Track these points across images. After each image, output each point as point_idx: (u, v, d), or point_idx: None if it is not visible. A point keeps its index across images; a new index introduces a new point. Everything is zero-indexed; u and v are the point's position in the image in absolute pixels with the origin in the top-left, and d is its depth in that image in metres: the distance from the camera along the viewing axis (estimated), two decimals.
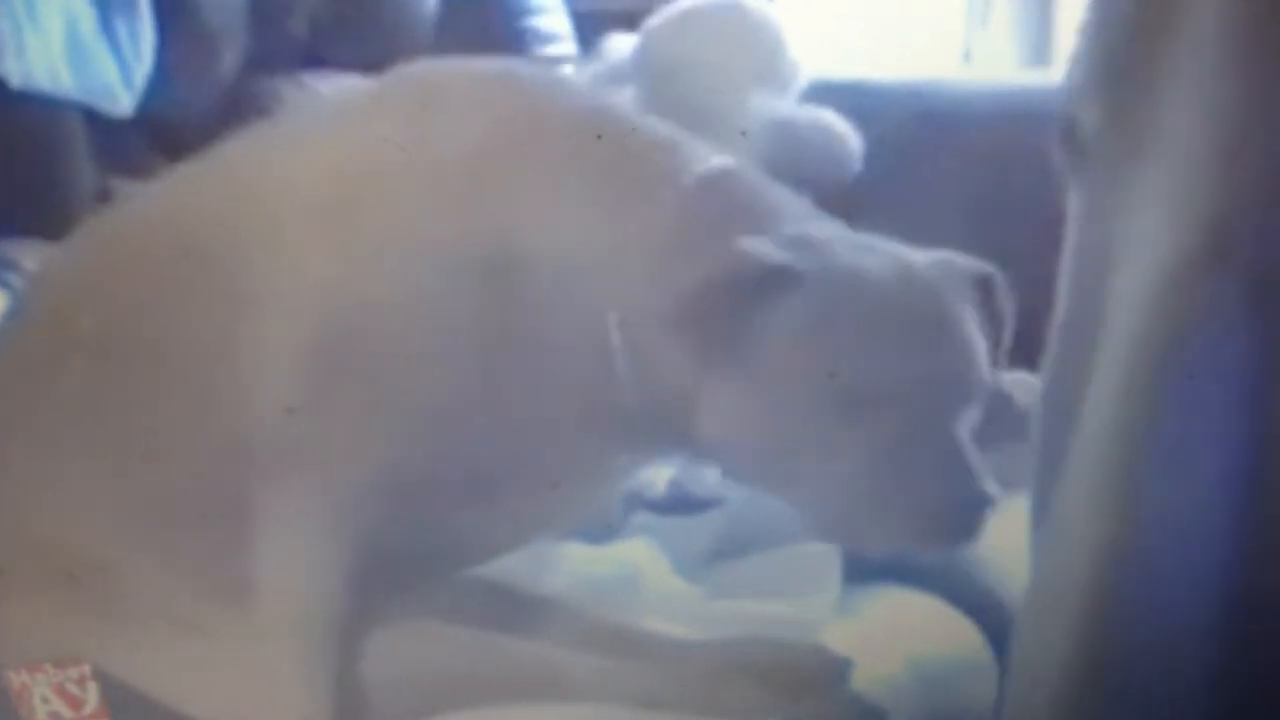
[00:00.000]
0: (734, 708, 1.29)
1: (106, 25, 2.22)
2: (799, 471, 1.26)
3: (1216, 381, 0.86)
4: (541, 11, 2.75)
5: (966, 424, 1.26)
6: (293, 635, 1.24)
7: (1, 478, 1.30)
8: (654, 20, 2.54)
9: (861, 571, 1.56)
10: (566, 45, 2.76)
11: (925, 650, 1.54)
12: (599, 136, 1.32)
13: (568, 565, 1.49)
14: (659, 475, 1.63)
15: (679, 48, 2.49)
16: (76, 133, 2.21)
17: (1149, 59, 0.90)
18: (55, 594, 1.25)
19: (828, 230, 1.31)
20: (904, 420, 1.24)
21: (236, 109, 2.20)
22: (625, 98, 2.31)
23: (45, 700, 1.20)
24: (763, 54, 2.51)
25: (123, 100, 2.23)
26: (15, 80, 2.12)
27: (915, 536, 1.26)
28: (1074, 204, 0.98)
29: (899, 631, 1.55)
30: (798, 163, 2.14)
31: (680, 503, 1.64)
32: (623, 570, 1.52)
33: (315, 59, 2.49)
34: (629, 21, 2.58)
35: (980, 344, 1.29)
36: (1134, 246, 0.90)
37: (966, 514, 1.24)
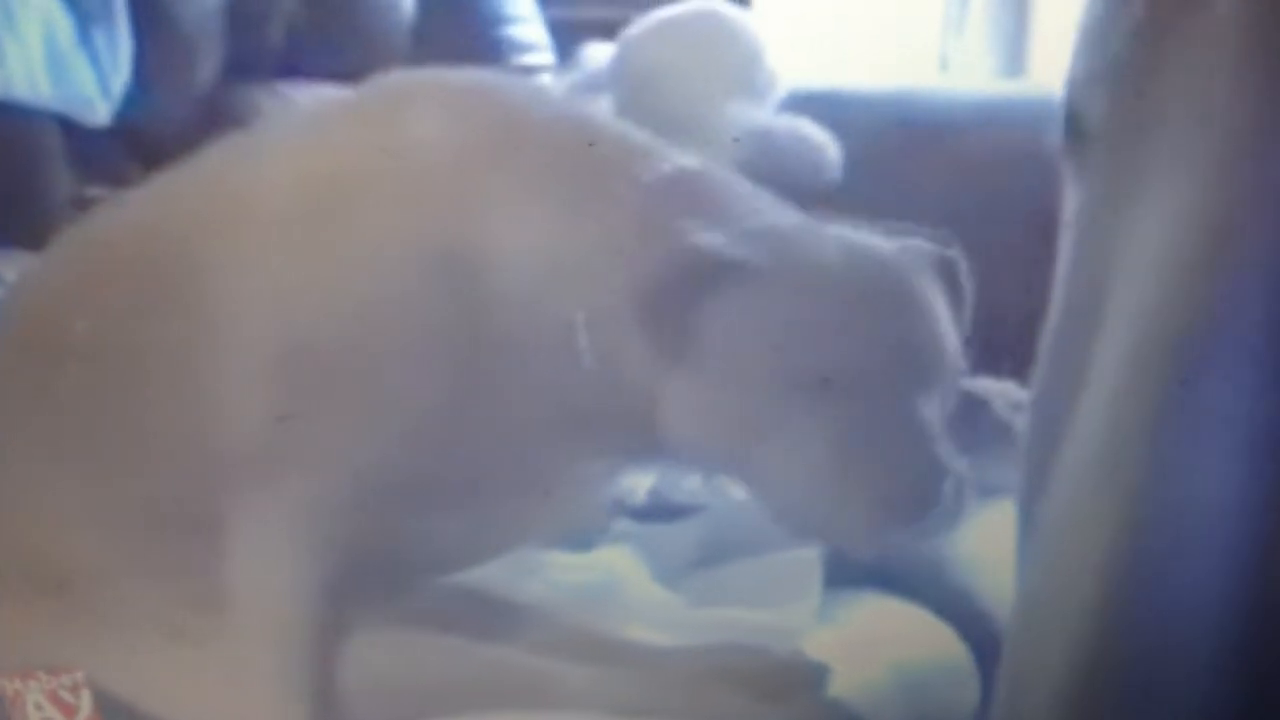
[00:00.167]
0: (712, 714, 1.29)
1: (85, 35, 2.21)
2: (764, 461, 1.25)
3: (1219, 383, 0.85)
4: (518, 21, 2.75)
5: (934, 406, 1.26)
6: (270, 644, 1.24)
7: None
8: (631, 30, 2.54)
9: (843, 579, 1.56)
10: (544, 54, 2.76)
11: (907, 657, 1.54)
12: (574, 146, 1.32)
13: (547, 572, 1.48)
14: (639, 483, 1.63)
15: (656, 57, 2.49)
16: (54, 142, 2.20)
17: (1151, 56, 0.89)
18: (44, 602, 1.25)
19: (789, 221, 1.31)
20: (866, 403, 1.23)
21: (214, 118, 2.20)
22: (602, 107, 2.31)
23: (39, 707, 1.20)
24: (740, 63, 2.51)
25: (100, 110, 2.22)
26: None
27: (880, 517, 1.24)
28: (1072, 203, 0.98)
29: (880, 639, 1.55)
30: (776, 172, 2.13)
31: (661, 510, 1.63)
32: (603, 577, 1.51)
33: (292, 68, 2.49)
34: (606, 31, 2.58)
35: (948, 326, 1.28)
36: (1135, 247, 0.89)
37: (925, 484, 1.23)
